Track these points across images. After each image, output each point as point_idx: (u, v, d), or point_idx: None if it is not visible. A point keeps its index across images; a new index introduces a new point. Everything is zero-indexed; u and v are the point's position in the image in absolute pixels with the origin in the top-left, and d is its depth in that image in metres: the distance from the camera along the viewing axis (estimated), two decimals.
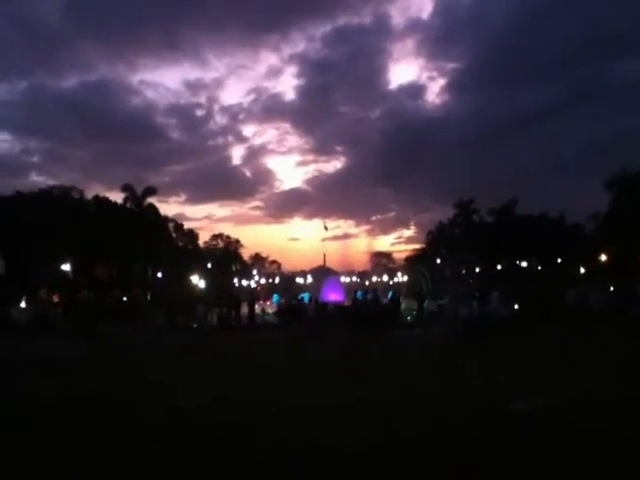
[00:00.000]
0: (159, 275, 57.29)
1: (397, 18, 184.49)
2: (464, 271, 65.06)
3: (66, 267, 47.55)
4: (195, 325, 25.91)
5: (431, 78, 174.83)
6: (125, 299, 36.68)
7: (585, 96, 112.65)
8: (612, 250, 48.84)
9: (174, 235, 72.30)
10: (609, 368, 9.42)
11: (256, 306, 30.38)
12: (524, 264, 62.88)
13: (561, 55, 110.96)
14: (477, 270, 63.29)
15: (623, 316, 18.80)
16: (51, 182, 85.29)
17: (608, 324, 17.19)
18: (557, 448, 5.13)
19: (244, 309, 27.39)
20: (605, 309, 20.70)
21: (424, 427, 6.06)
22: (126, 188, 57.97)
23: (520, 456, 4.95)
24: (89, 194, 60.40)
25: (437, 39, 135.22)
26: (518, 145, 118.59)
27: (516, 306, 24.60)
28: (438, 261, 68.78)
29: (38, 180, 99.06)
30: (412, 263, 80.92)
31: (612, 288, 29.32)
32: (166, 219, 69.20)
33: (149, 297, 41.09)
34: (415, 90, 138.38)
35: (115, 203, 58.81)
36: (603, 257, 50.20)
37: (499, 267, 63.69)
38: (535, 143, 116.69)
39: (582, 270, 54.05)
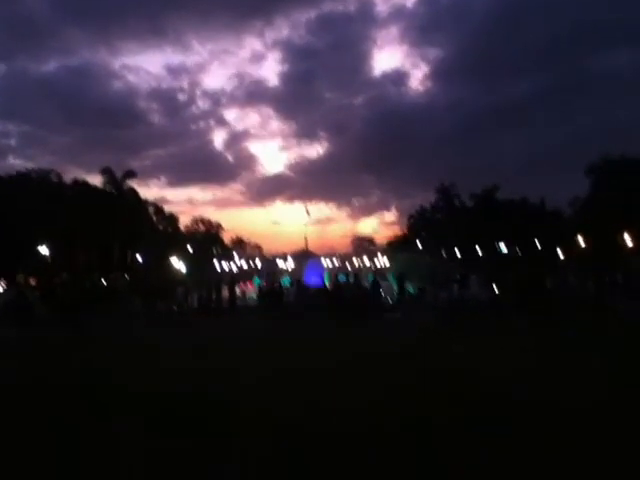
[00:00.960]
0: (139, 259, 56.80)
1: (381, 5, 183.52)
2: (444, 255, 65.40)
3: (45, 251, 46.91)
4: (175, 307, 25.77)
5: (415, 65, 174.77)
6: (104, 283, 36.30)
7: (567, 85, 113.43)
8: (591, 235, 49.44)
9: (154, 219, 71.63)
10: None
11: (237, 289, 30.24)
12: (504, 249, 63.41)
13: (543, 44, 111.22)
14: (458, 254, 63.70)
15: (602, 304, 19.02)
16: (29, 165, 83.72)
17: (586, 312, 17.41)
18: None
19: (225, 292, 27.26)
20: (584, 296, 20.94)
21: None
22: (105, 171, 57.38)
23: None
24: (68, 178, 59.53)
25: (421, 27, 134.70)
26: (501, 133, 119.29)
27: (496, 290, 24.80)
28: (419, 245, 69.11)
29: (16, 163, 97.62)
30: (393, 247, 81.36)
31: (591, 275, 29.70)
32: (146, 203, 68.51)
33: (129, 281, 40.74)
34: (399, 77, 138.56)
35: (94, 187, 58.05)
36: (582, 242, 50.79)
37: (479, 252, 64.16)
38: (518, 131, 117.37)
39: (561, 255, 54.67)
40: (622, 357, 8.80)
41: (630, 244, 44.59)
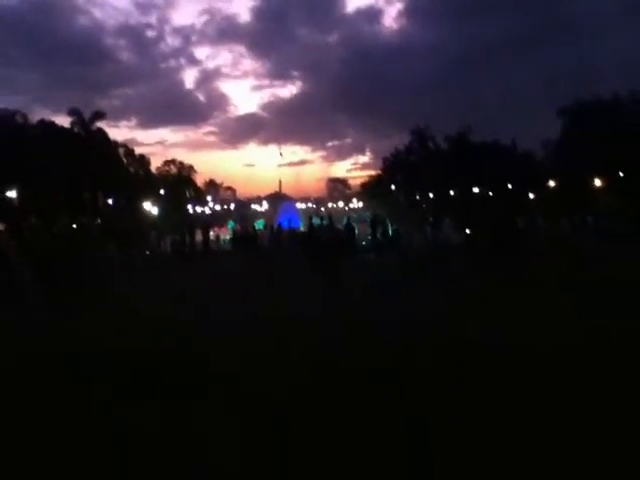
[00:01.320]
0: (110, 202, 55.88)
1: None
2: (418, 197, 65.85)
3: (11, 194, 45.76)
4: (148, 252, 25.64)
5: (388, 2, 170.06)
6: (75, 227, 35.79)
7: (542, 29, 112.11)
8: (561, 178, 50.04)
9: (125, 161, 69.97)
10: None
11: (211, 233, 30.17)
12: (476, 190, 63.92)
13: None
14: (431, 196, 64.07)
15: (570, 242, 19.48)
16: None
17: (553, 250, 17.83)
18: None
19: (198, 236, 27.14)
20: (554, 235, 21.40)
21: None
22: (73, 112, 55.40)
23: None
24: (34, 118, 57.29)
25: None
26: (475, 75, 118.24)
27: (467, 232, 25.19)
28: (393, 187, 69.21)
29: None
30: (367, 189, 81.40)
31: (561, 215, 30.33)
32: (116, 144, 66.67)
33: (100, 225, 40.24)
34: (372, 14, 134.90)
35: (62, 127, 56.12)
36: (552, 184, 51.48)
37: (452, 193, 64.60)
38: (492, 74, 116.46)
39: (531, 196, 55.45)
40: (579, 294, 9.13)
41: (599, 185, 45.38)
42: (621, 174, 47.71)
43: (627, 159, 45.41)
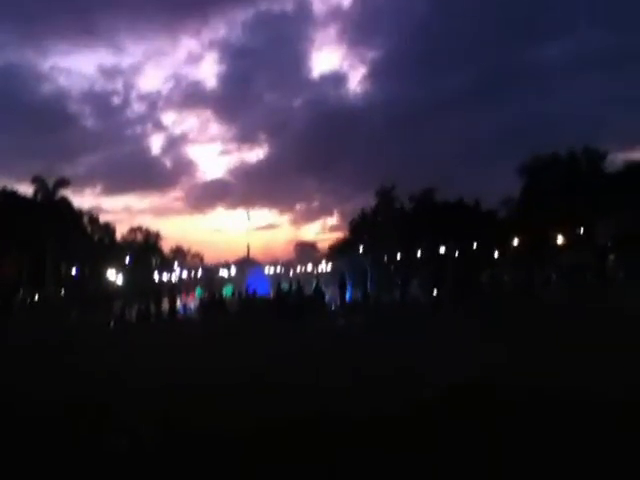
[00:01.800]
0: (74, 271, 54.77)
1: (318, 5, 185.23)
2: (385, 258, 66.39)
3: None
4: (112, 322, 24.88)
5: (353, 66, 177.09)
6: (37, 297, 34.84)
7: (498, 83, 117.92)
8: (523, 234, 51.34)
9: (89, 229, 69.29)
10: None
11: (178, 301, 29.63)
12: (442, 250, 64.95)
13: (476, 43, 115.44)
14: (398, 257, 64.74)
15: (532, 295, 19.70)
16: None
17: (517, 303, 18.00)
18: None
19: (165, 304, 26.61)
20: (516, 289, 21.66)
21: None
22: (36, 180, 54.91)
23: None
24: None
25: (358, 27, 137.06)
26: (437, 132, 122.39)
27: (435, 291, 25.29)
28: (361, 249, 69.78)
29: None
30: (336, 252, 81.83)
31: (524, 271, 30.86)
32: (81, 212, 66.20)
33: (64, 295, 39.22)
34: (337, 78, 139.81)
35: (24, 197, 55.55)
36: (515, 241, 52.68)
37: (419, 253, 65.44)
38: (452, 129, 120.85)
39: (496, 254, 56.54)
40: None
41: (560, 242, 46.61)
42: (581, 230, 49.26)
43: (585, 214, 47.05)
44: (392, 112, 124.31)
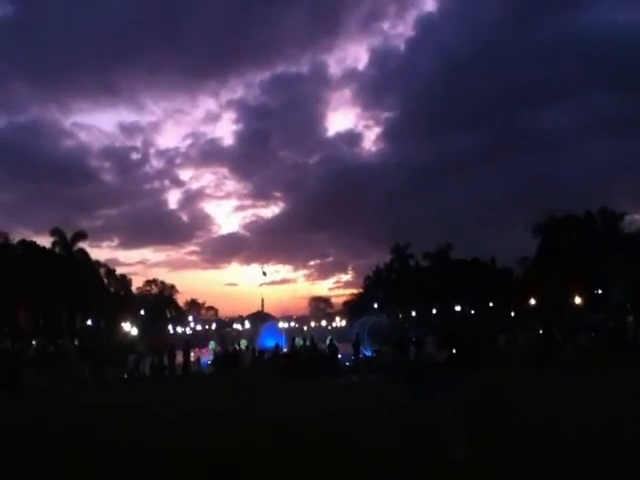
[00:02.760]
0: (89, 323, 54.96)
1: (334, 68, 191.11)
2: (400, 315, 65.97)
3: None
4: (125, 376, 24.75)
5: (367, 126, 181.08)
6: (52, 349, 34.80)
7: (511, 144, 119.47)
8: (540, 294, 50.77)
9: (106, 281, 69.94)
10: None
11: (192, 354, 29.48)
12: (458, 308, 64.40)
13: (488, 106, 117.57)
14: (413, 314, 64.29)
15: (550, 362, 19.37)
16: None
17: (535, 371, 17.71)
18: None
19: (179, 358, 26.48)
20: (533, 354, 21.29)
21: None
22: (55, 232, 56.04)
23: None
24: (15, 238, 57.70)
25: (372, 89, 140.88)
26: (449, 190, 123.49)
27: (452, 350, 24.94)
28: (375, 306, 69.44)
29: None
30: (349, 308, 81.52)
31: (541, 332, 30.42)
32: (97, 264, 67.03)
33: (77, 347, 39.19)
34: (352, 138, 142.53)
35: (43, 248, 56.53)
36: (532, 301, 52.05)
37: (434, 311, 64.92)
38: (465, 188, 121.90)
39: (512, 313, 55.83)
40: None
41: (579, 302, 45.98)
42: (600, 291, 48.67)
43: (603, 274, 46.60)
44: (406, 170, 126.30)
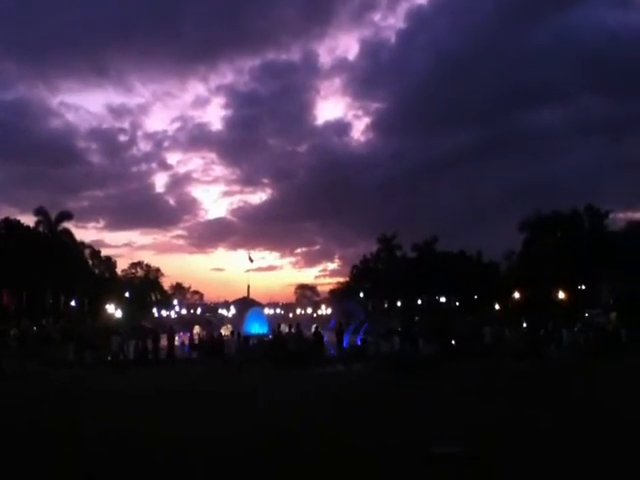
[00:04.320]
0: (73, 304, 54.51)
1: (325, 57, 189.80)
2: (386, 305, 66.17)
3: None
4: (109, 358, 24.56)
5: (356, 116, 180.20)
6: (35, 330, 34.43)
7: (501, 142, 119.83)
8: (525, 289, 51.13)
9: (90, 262, 69.35)
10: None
11: (176, 338, 29.33)
12: (443, 300, 64.77)
13: (479, 103, 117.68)
14: (399, 304, 64.53)
15: (536, 355, 19.52)
16: None
17: (520, 364, 17.84)
18: None
19: (163, 341, 26.32)
20: (518, 349, 21.45)
21: None
22: (39, 212, 55.24)
23: None
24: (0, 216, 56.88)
25: (362, 80, 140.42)
26: (439, 184, 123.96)
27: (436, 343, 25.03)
28: (361, 295, 69.61)
29: None
30: (336, 296, 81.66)
31: (525, 325, 30.64)
32: (82, 245, 66.37)
33: (61, 328, 38.82)
34: (341, 127, 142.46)
35: (27, 227, 55.78)
36: (517, 295, 52.43)
37: (419, 302, 65.22)
38: (455, 184, 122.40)
39: (497, 307, 56.21)
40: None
41: (562, 297, 46.40)
42: (583, 287, 49.15)
43: (587, 271, 47.02)
44: (395, 161, 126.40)
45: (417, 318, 45.76)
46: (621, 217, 58.85)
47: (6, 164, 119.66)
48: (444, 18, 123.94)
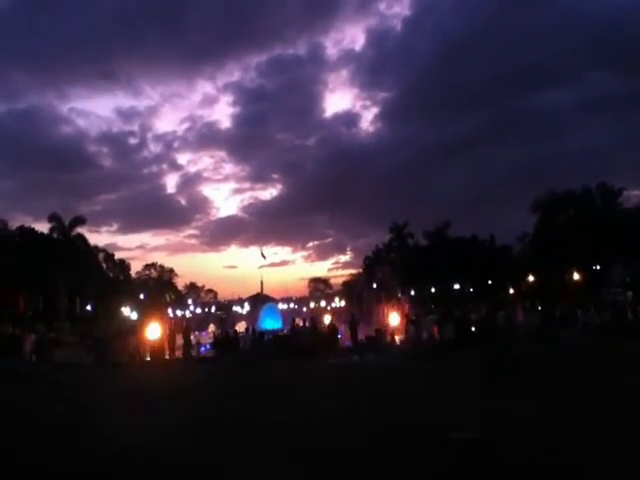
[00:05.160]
0: (88, 308, 55.03)
1: (331, 49, 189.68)
2: (400, 295, 65.91)
3: None
4: (127, 360, 24.77)
5: (364, 107, 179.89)
6: (52, 335, 34.79)
7: (509, 124, 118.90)
8: (538, 271, 50.80)
9: (104, 266, 69.88)
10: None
11: (192, 337, 29.52)
12: (456, 286, 64.46)
13: (485, 85, 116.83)
14: (412, 293, 64.31)
15: (551, 338, 19.36)
16: None
17: (535, 347, 17.71)
18: None
19: (179, 341, 26.52)
20: (533, 331, 21.31)
21: None
22: (53, 218, 55.87)
23: None
24: (14, 225, 57.48)
25: (370, 69, 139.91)
26: (449, 170, 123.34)
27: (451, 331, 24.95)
28: (374, 286, 69.47)
29: None
30: (349, 289, 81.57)
31: (540, 309, 30.47)
32: (96, 249, 66.90)
33: (78, 332, 39.21)
34: (349, 118, 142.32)
35: (42, 234, 56.37)
36: (530, 278, 52.11)
37: (433, 290, 64.95)
38: (465, 168, 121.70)
39: (511, 291, 55.92)
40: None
41: (577, 278, 46.03)
42: (597, 267, 48.67)
43: (601, 250, 46.53)
44: (404, 150, 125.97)
45: (433, 306, 45.53)
46: (636, 194, 58.07)
47: (19, 172, 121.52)
48: (448, 2, 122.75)
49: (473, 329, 22.85)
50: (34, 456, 7.02)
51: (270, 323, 39.65)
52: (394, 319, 26.86)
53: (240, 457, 6.59)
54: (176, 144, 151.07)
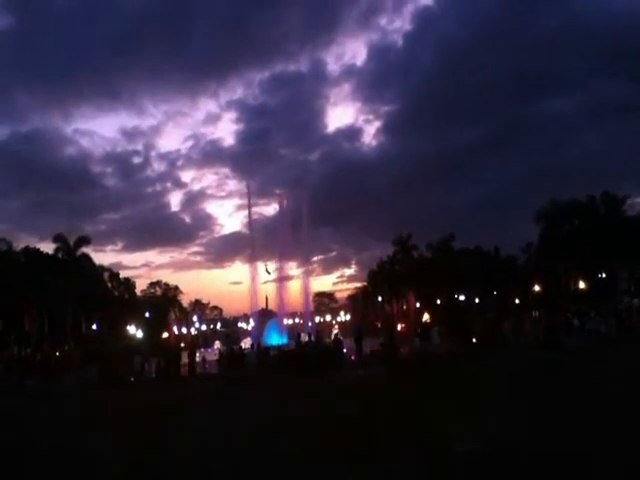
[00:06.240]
0: (94, 327, 55.02)
1: (333, 64, 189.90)
2: (405, 307, 65.73)
3: None
4: (132, 379, 24.76)
5: (367, 121, 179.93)
6: (57, 354, 34.86)
7: (512, 134, 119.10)
8: (543, 280, 50.60)
9: (110, 285, 69.88)
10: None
11: (197, 354, 29.48)
12: (462, 298, 64.19)
13: (487, 97, 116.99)
14: (418, 305, 64.08)
15: (556, 346, 19.27)
16: None
17: (541, 355, 17.62)
18: None
19: (184, 359, 26.46)
20: (538, 340, 21.23)
21: None
22: (58, 238, 56.04)
23: None
24: (19, 246, 57.58)
25: (371, 84, 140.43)
26: (452, 182, 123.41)
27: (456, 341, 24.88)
28: (380, 299, 69.22)
29: None
30: (354, 302, 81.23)
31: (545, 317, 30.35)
32: (101, 268, 66.95)
33: (83, 350, 39.24)
34: (352, 133, 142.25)
35: (47, 254, 56.54)
36: (536, 287, 51.89)
37: (438, 302, 64.68)
38: (468, 179, 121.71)
39: (517, 301, 55.69)
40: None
41: (583, 287, 45.82)
42: (604, 275, 48.49)
43: (606, 259, 46.39)
44: (407, 163, 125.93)
45: (439, 318, 45.36)
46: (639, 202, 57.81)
47: (24, 193, 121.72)
48: (450, 15, 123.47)
49: (478, 340, 22.75)
50: None
51: (275, 338, 39.52)
52: (400, 331, 26.76)
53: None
54: (180, 162, 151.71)
